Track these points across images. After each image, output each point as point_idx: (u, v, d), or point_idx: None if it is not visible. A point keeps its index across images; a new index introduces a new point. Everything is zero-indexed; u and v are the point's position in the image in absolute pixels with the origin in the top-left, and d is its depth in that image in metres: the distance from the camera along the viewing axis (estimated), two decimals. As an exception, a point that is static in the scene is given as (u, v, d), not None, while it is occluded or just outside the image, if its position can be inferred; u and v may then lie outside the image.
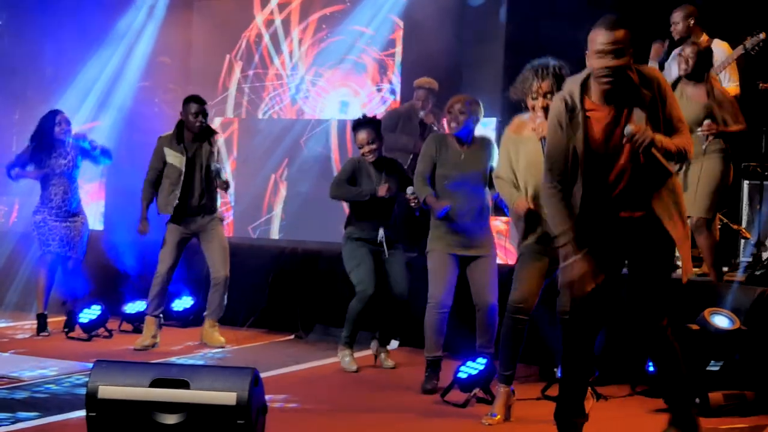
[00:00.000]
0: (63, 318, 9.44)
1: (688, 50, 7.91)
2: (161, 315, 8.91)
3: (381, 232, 8.06)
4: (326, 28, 12.43)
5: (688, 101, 7.73)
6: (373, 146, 8.00)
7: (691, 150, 5.22)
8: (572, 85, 5.27)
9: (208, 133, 8.88)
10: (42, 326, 9.25)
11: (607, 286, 5.30)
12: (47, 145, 9.25)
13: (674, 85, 7.84)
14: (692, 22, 8.49)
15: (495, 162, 7.09)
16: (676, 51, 8.62)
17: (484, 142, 7.40)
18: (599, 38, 5.10)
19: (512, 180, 6.36)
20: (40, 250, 9.33)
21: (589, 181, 5.21)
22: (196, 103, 8.83)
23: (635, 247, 5.26)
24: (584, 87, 5.21)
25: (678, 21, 8.54)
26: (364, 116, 8.20)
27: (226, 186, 8.92)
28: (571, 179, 5.22)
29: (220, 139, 9.04)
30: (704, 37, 8.53)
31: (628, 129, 5.07)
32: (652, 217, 5.21)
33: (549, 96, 6.16)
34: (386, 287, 8.07)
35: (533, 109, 6.25)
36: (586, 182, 5.20)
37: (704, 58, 7.88)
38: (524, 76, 6.28)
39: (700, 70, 7.86)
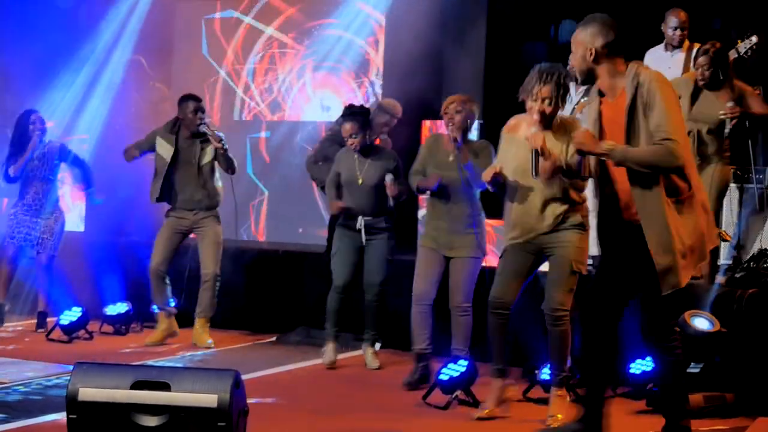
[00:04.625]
0: (35, 320, 9.46)
1: (702, 60, 7.86)
2: (168, 307, 8.92)
3: (360, 220, 8.10)
4: (308, 30, 12.42)
5: (713, 102, 7.79)
6: (356, 139, 8.06)
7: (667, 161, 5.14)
8: None
9: (206, 138, 8.90)
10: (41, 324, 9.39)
11: (619, 285, 5.38)
12: (22, 144, 9.36)
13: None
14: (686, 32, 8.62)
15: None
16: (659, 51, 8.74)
17: (480, 146, 7.40)
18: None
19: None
20: (3, 240, 9.45)
21: (600, 181, 5.42)
22: (193, 101, 8.92)
23: (636, 251, 5.28)
24: None
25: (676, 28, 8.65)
26: (351, 106, 8.31)
27: (218, 140, 8.83)
28: None
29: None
30: (686, 43, 8.59)
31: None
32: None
33: (547, 102, 6.15)
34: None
35: (530, 110, 6.25)
36: (598, 182, 5.43)
37: (718, 63, 7.85)
38: (530, 77, 6.27)
39: (717, 74, 7.84)
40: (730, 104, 7.75)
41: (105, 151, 11.63)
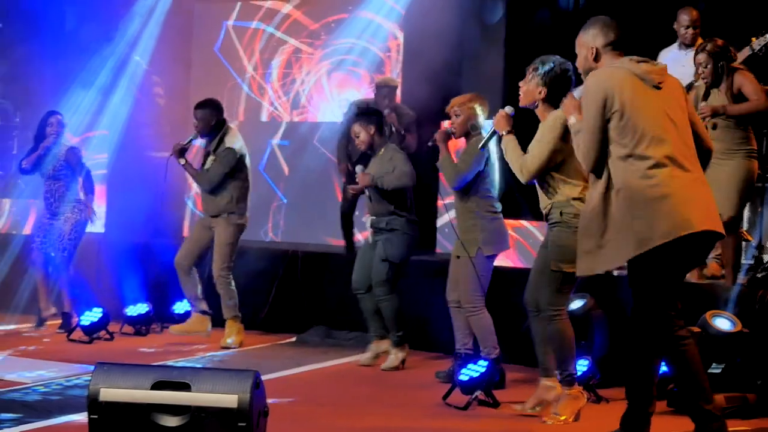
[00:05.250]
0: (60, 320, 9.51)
1: (701, 57, 7.84)
2: (194, 307, 8.98)
3: (367, 220, 8.22)
4: (325, 35, 12.43)
5: (716, 98, 7.80)
6: (360, 140, 8.21)
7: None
8: None
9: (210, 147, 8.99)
10: (39, 321, 9.52)
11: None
12: (38, 144, 9.51)
13: (689, 87, 7.86)
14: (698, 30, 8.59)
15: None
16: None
17: (469, 143, 7.45)
18: None
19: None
20: (31, 246, 9.62)
21: None
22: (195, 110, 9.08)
23: None
24: None
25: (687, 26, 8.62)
26: (365, 106, 8.45)
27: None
28: None
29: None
30: (699, 40, 8.56)
31: None
32: None
33: (525, 81, 6.29)
34: None
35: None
36: None
37: (717, 59, 7.81)
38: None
39: (717, 70, 7.81)
40: (702, 104, 7.75)
41: (125, 152, 11.71)
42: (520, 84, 6.33)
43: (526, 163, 6.09)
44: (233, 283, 8.95)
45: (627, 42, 5.45)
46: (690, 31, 8.65)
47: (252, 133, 12.74)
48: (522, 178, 6.14)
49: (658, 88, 5.29)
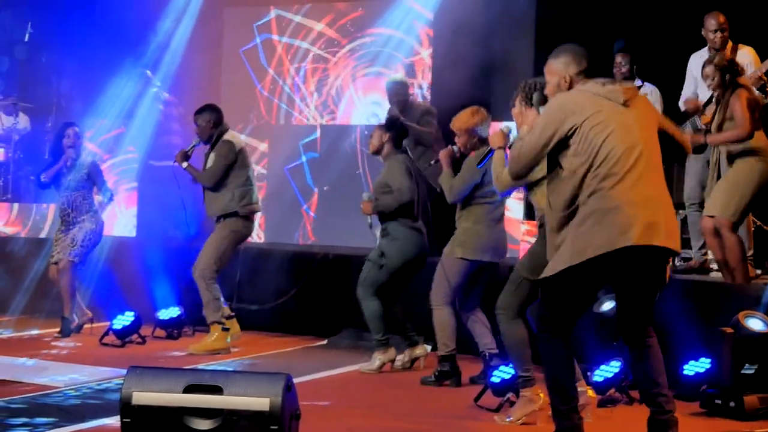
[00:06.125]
0: (95, 324, 9.56)
1: (708, 70, 7.85)
2: (214, 320, 8.91)
3: (370, 222, 8.35)
4: (354, 31, 12.46)
5: (719, 110, 7.80)
6: (372, 142, 8.38)
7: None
8: None
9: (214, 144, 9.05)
10: (64, 330, 9.42)
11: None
12: (54, 155, 9.60)
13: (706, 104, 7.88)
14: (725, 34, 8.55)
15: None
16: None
17: (478, 152, 7.49)
18: None
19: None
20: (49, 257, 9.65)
21: None
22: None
23: None
24: None
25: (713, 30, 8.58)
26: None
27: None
28: None
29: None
30: (729, 44, 8.52)
31: None
32: None
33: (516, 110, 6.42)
34: None
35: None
36: None
37: (723, 71, 7.81)
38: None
39: (724, 81, 7.79)
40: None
41: (154, 159, 11.76)
42: (514, 113, 6.43)
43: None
44: (216, 287, 8.89)
45: (595, 69, 5.54)
46: (718, 35, 8.60)
47: (283, 137, 12.81)
48: (498, 187, 6.29)
49: (625, 106, 5.34)
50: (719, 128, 7.77)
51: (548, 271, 5.29)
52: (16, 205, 12.38)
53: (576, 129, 5.24)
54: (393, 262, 8.14)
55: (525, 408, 6.34)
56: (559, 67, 5.52)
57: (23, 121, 13.02)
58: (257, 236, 10.09)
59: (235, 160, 8.91)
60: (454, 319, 7.65)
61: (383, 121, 9.08)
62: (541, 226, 6.21)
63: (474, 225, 7.55)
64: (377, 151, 8.34)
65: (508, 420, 6.34)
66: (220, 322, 8.83)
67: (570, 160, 5.26)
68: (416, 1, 11.92)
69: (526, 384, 6.34)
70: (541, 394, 6.27)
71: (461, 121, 7.61)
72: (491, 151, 6.38)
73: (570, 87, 5.47)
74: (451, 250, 7.59)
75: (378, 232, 8.30)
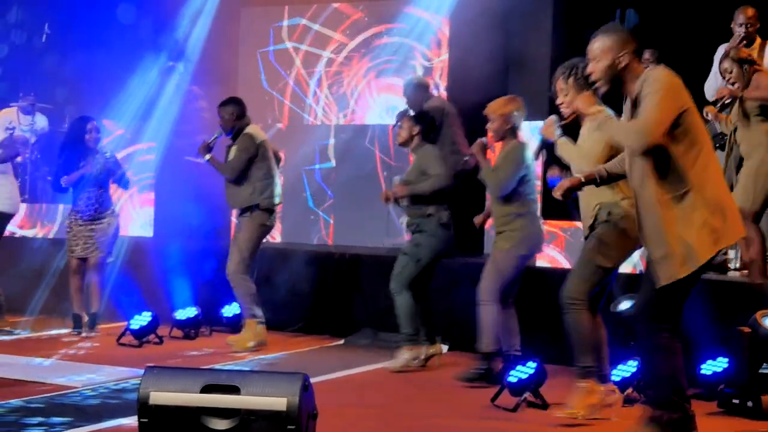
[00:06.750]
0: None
1: (726, 64, 7.89)
2: (252, 314, 8.96)
3: (403, 221, 8.24)
4: (370, 28, 12.46)
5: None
6: (401, 133, 8.33)
7: None
8: None
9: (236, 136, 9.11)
10: (76, 324, 9.50)
11: None
12: (79, 152, 9.48)
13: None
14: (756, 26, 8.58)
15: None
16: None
17: (505, 146, 7.50)
18: None
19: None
20: (66, 255, 9.63)
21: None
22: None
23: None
24: None
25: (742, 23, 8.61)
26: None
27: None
28: None
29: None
30: (758, 40, 8.53)
31: None
32: None
33: (564, 95, 6.39)
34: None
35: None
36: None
37: (743, 64, 7.84)
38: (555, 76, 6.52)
39: (742, 74, 7.82)
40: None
41: (172, 158, 11.77)
42: (560, 100, 6.40)
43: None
44: (251, 282, 8.96)
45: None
46: (743, 29, 8.61)
47: (300, 137, 12.81)
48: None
49: None
50: (745, 115, 7.79)
51: (670, 278, 5.24)
52: (34, 206, 12.40)
53: (687, 108, 5.24)
54: (425, 257, 8.11)
55: (583, 399, 6.26)
56: (613, 46, 5.37)
57: (41, 122, 13.04)
58: (271, 237, 10.07)
59: (256, 154, 8.95)
60: (501, 318, 7.52)
61: (411, 113, 9.05)
62: (609, 214, 6.22)
63: (526, 220, 7.47)
64: (405, 143, 8.31)
65: (568, 411, 6.25)
66: (256, 316, 8.89)
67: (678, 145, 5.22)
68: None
69: (587, 375, 6.27)
70: (601, 387, 6.28)
71: (497, 104, 7.53)
72: (545, 141, 6.31)
73: (627, 65, 5.35)
74: (507, 245, 7.43)
75: (403, 223, 8.27)
